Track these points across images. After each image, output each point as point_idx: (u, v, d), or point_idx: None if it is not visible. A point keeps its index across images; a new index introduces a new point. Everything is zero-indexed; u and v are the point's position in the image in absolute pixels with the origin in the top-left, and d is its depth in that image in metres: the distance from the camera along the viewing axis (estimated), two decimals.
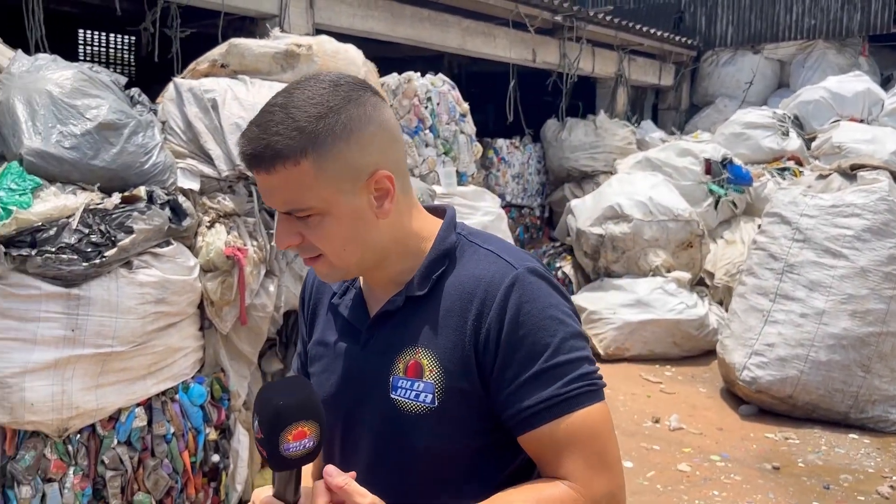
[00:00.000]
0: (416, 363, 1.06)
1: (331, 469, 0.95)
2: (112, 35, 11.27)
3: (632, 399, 5.32)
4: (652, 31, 9.38)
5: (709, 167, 7.34)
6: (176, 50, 5.15)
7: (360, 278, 1.17)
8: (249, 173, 3.34)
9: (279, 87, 3.70)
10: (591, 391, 1.02)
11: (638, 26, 9.06)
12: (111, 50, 11.55)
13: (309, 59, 3.83)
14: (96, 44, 11.29)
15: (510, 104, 7.44)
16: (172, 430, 3.05)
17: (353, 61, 4.05)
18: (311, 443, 0.97)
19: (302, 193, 0.97)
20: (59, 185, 2.86)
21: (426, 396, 1.04)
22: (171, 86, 3.61)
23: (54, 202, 2.78)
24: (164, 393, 3.05)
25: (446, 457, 1.06)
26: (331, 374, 1.16)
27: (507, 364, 1.01)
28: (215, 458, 3.21)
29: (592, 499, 0.99)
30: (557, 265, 7.16)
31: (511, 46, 7.57)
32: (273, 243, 3.33)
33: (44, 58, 3.16)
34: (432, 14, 6.79)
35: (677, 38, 10.18)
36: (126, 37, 11.24)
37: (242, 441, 3.36)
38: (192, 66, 3.84)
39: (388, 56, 7.41)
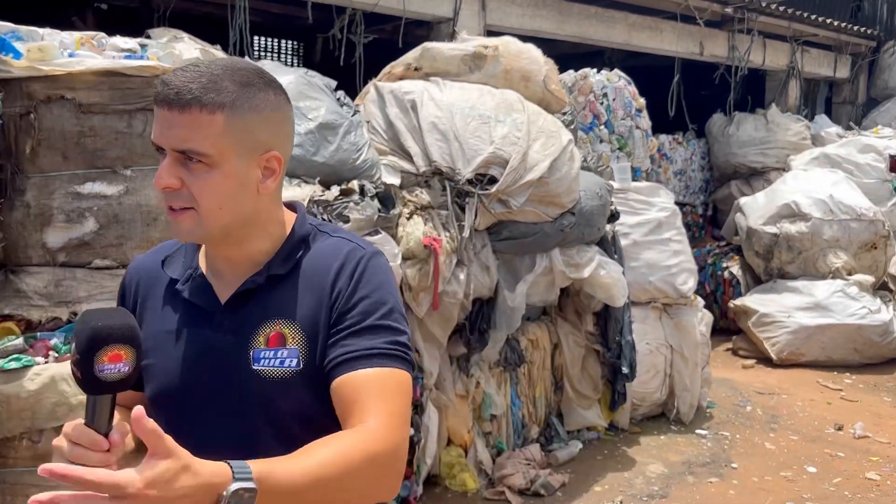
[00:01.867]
0: (278, 333, 1.13)
1: (138, 413, 0.86)
2: (283, 41, 12.10)
3: (811, 405, 5.10)
4: (828, 20, 8.84)
5: (894, 164, 6.86)
6: (359, 54, 5.50)
7: (203, 265, 1.22)
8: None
9: (469, 87, 3.91)
10: (407, 360, 1.13)
11: (812, 16, 8.57)
12: (282, 56, 12.40)
13: (495, 60, 4.00)
14: (269, 50, 12.14)
15: (672, 99, 7.30)
16: None
17: (536, 60, 4.19)
18: (127, 368, 0.96)
19: (204, 138, 1.06)
20: (287, 179, 3.20)
21: (291, 361, 1.12)
22: (371, 88, 3.90)
23: (284, 193, 3.11)
24: None
25: (307, 419, 1.12)
26: (175, 360, 1.17)
27: (346, 312, 1.13)
28: (410, 432, 3.46)
29: (393, 443, 1.05)
30: (724, 265, 6.95)
31: (678, 40, 7.43)
32: (464, 234, 3.53)
33: (268, 64, 3.52)
34: (598, 10, 6.80)
35: (855, 27, 9.53)
36: (294, 43, 12.02)
37: (433, 417, 3.59)
38: (387, 69, 4.13)
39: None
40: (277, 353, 1.13)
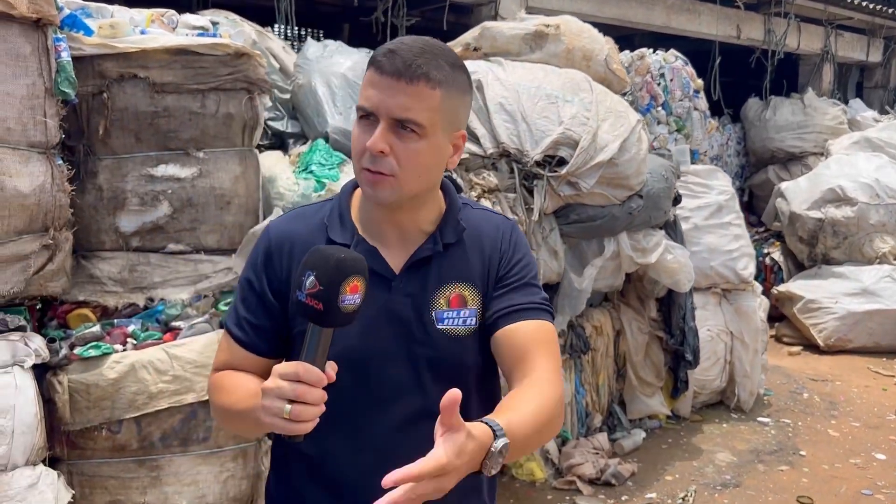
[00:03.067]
0: (459, 296, 1.24)
1: (454, 396, 0.93)
2: (303, 29, 11.96)
3: (866, 391, 5.01)
4: (863, 3, 8.69)
5: None
6: None
7: (360, 232, 1.26)
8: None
9: (531, 66, 3.81)
10: (552, 314, 1.29)
11: None
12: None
13: (556, 39, 3.90)
14: (289, 38, 11.98)
15: (714, 83, 7.16)
16: None
17: (597, 39, 4.08)
18: (360, 299, 1.01)
19: (423, 111, 1.13)
20: None
21: (471, 320, 1.24)
22: None
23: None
24: None
25: (478, 371, 1.25)
26: (355, 324, 1.14)
27: (508, 272, 1.26)
28: None
29: (562, 387, 1.21)
30: (765, 251, 6.84)
31: (716, 23, 7.30)
32: (533, 218, 3.44)
33: (332, 44, 3.43)
34: None
35: (890, 10, 9.36)
36: (315, 31, 11.89)
37: None
38: None
39: None
40: (459, 313, 1.24)
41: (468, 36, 3.96)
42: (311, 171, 2.93)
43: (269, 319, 1.26)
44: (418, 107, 1.13)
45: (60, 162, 2.54)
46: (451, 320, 1.23)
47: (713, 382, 4.48)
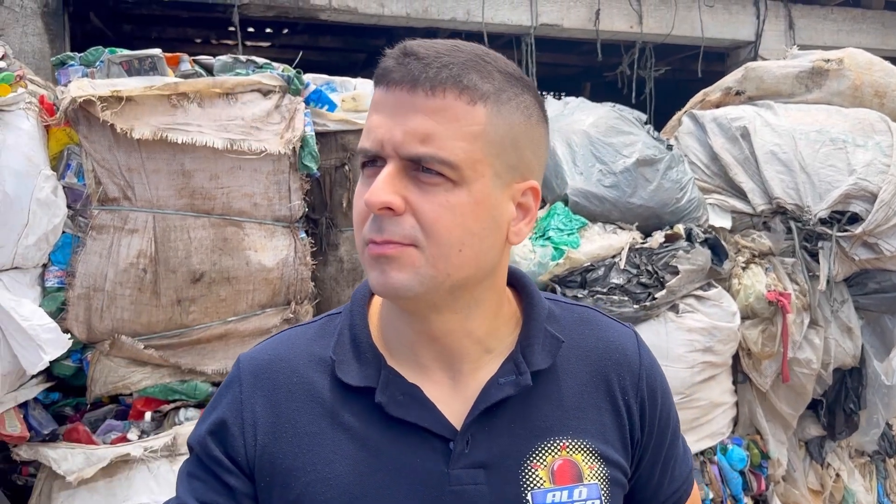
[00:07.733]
0: (569, 462, 0.79)
1: None
2: (543, 93, 12.07)
3: None
4: None
5: None
6: (649, 90, 5.05)
7: (388, 362, 0.80)
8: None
9: (808, 108, 3.25)
10: None
11: None
12: None
13: (839, 75, 3.30)
14: None
15: None
16: (711, 496, 2.73)
17: (891, 72, 3.40)
18: None
19: (455, 139, 0.71)
20: (600, 225, 2.80)
21: (594, 503, 0.79)
22: (684, 119, 3.40)
23: (600, 242, 2.71)
24: (702, 453, 2.75)
25: None
26: None
27: (659, 424, 0.88)
28: None
29: None
30: None
31: None
32: (819, 287, 2.85)
33: (573, 101, 3.20)
34: None
35: None
36: (560, 93, 11.91)
37: None
38: (699, 97, 3.60)
39: None
40: (573, 492, 0.78)
41: (729, 79, 3.50)
42: (548, 238, 2.68)
43: None
44: (446, 133, 0.71)
45: (303, 235, 2.56)
46: None
47: None
